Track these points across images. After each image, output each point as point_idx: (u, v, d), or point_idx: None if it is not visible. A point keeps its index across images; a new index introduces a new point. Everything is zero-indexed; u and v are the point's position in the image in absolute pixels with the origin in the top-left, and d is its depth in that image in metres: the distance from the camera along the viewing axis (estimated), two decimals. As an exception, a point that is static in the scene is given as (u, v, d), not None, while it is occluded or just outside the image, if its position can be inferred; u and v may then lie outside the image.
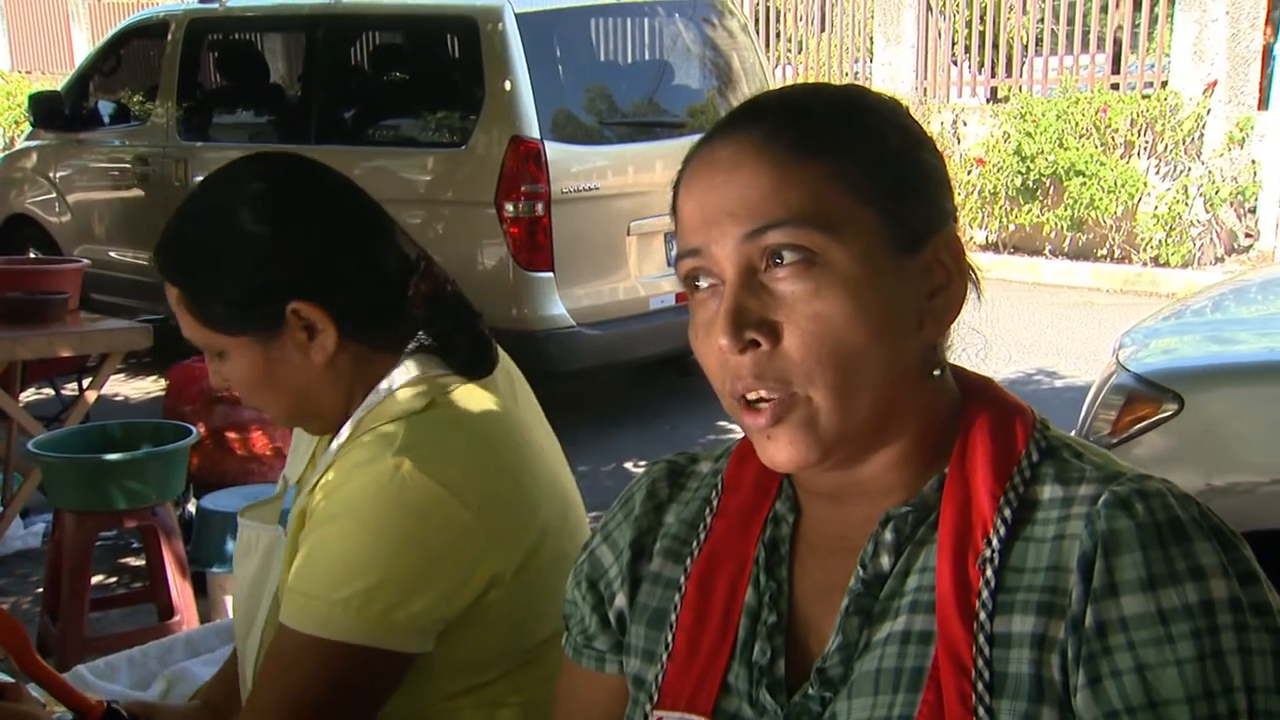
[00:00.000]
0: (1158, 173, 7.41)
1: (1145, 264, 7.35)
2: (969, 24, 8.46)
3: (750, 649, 0.83)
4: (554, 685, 1.08)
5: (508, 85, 4.59)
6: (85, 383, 4.01)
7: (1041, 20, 8.22)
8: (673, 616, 0.87)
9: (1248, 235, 7.48)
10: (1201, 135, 7.36)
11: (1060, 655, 0.74)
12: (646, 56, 5.47)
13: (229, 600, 2.95)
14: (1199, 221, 7.26)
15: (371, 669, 1.09)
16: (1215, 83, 7.32)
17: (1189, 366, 2.86)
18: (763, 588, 0.84)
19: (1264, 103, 7.39)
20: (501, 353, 1.28)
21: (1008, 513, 0.78)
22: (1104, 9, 8.04)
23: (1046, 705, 0.73)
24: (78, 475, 2.79)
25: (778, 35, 9.46)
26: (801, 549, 0.86)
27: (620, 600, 0.92)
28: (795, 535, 0.86)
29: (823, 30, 9.31)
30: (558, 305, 4.60)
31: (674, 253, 0.83)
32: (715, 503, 0.90)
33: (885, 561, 0.80)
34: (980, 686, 0.74)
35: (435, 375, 1.19)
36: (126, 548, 3.66)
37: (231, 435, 3.62)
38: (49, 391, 4.68)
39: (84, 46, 12.69)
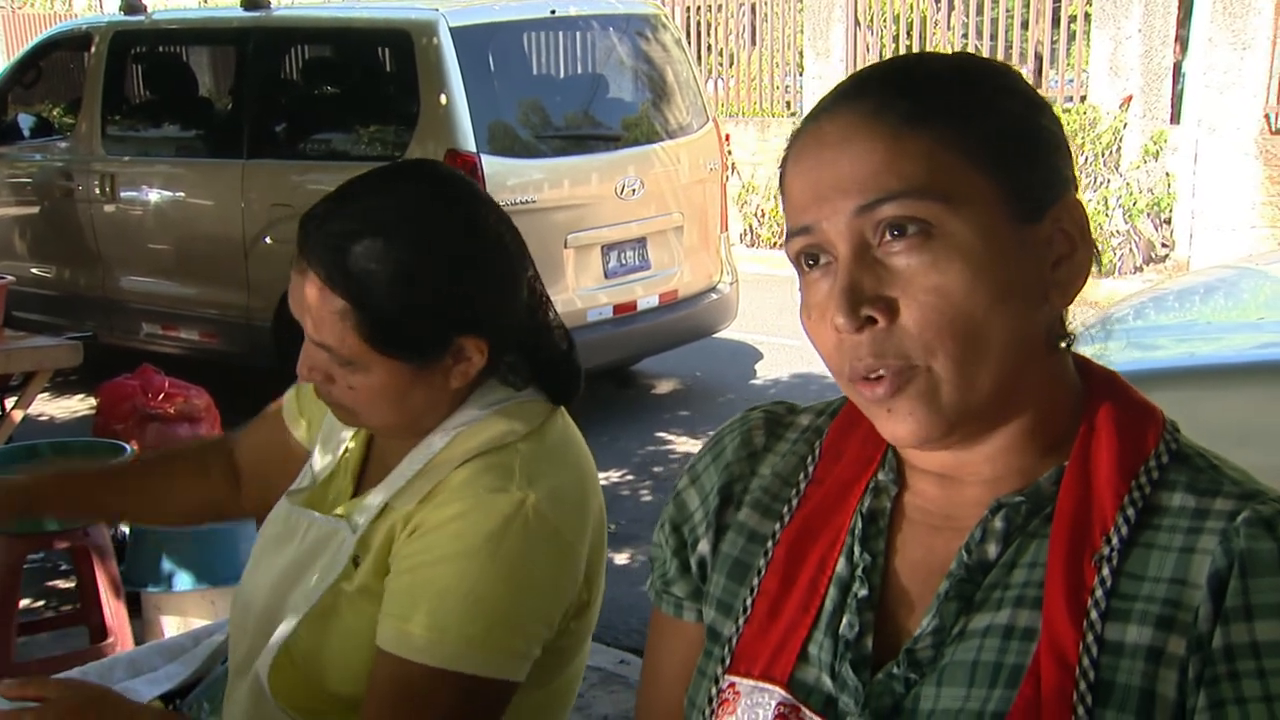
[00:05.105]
0: (1079, 184, 7.61)
1: (1068, 273, 7.54)
2: (895, 39, 8.63)
3: (837, 620, 0.80)
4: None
5: (443, 99, 4.58)
6: (10, 402, 3.92)
7: (965, 35, 8.41)
8: (755, 579, 0.84)
9: (1164, 245, 7.73)
10: (1119, 148, 7.59)
11: (1179, 673, 0.70)
12: (581, 70, 5.49)
13: (165, 620, 2.90)
14: (1119, 232, 7.48)
15: (494, 697, 1.15)
16: (1130, 97, 7.56)
17: (1111, 372, 2.96)
18: (856, 559, 0.81)
19: (1176, 117, 7.65)
20: None
21: (1131, 513, 0.74)
22: (1024, 25, 8.26)
23: None
24: (5, 496, 2.72)
25: (709, 48, 9.56)
26: (902, 524, 0.82)
27: (704, 546, 0.89)
28: (895, 509, 0.82)
29: (753, 44, 9.44)
30: (495, 318, 4.61)
31: (786, 232, 0.79)
32: (812, 467, 0.86)
33: (992, 549, 0.77)
34: (1083, 686, 0.70)
35: (525, 401, 1.22)
36: (54, 569, 3.57)
37: (163, 453, 3.55)
38: (-30, 412, 4.56)
39: None
